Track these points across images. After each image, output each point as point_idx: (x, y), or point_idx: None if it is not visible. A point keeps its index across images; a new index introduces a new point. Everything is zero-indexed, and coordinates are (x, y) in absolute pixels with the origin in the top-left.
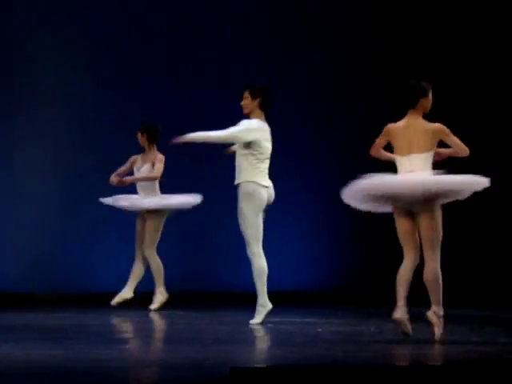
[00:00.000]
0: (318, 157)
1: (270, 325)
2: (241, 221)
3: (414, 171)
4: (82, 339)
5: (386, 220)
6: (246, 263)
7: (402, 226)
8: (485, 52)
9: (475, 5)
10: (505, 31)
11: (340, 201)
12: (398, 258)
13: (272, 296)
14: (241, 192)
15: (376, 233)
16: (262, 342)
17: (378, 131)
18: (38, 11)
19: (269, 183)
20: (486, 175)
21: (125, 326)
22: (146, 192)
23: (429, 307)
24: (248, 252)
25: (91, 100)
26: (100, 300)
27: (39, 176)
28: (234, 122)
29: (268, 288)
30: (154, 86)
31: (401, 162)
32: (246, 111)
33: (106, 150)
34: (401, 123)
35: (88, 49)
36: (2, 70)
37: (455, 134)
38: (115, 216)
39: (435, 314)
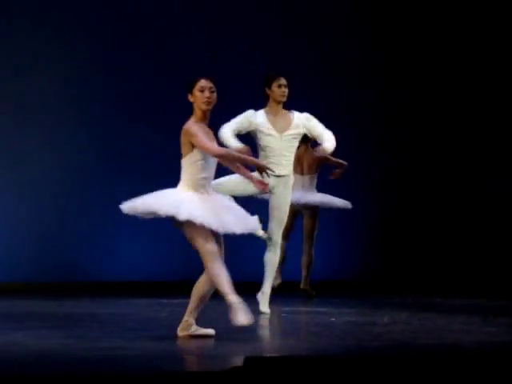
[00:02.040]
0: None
1: (283, 314)
2: (286, 209)
3: None
4: (95, 328)
5: (398, 212)
6: (256, 253)
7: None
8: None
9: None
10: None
11: (355, 192)
12: (410, 249)
13: (286, 285)
14: (289, 182)
15: (388, 223)
16: (276, 331)
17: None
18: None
19: None
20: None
21: (137, 315)
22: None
23: None
24: (279, 239)
25: (95, 97)
26: (112, 289)
27: (43, 167)
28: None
29: (282, 278)
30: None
31: None
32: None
33: (109, 145)
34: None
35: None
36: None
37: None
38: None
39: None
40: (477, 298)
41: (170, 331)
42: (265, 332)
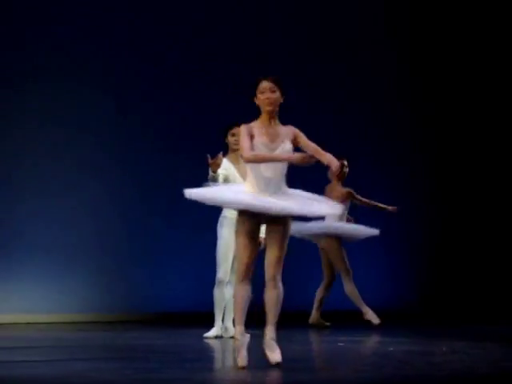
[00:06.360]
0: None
1: (340, 344)
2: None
3: None
4: (152, 359)
5: (463, 239)
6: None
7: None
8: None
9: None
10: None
11: (400, 216)
12: (468, 279)
13: (342, 314)
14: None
15: (449, 253)
16: (334, 361)
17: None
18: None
19: None
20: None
21: (195, 346)
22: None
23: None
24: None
25: (137, 111)
26: (169, 319)
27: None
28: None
29: (338, 307)
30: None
31: None
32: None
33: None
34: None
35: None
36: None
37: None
38: (181, 237)
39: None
40: (497, 325)
41: (228, 364)
42: (318, 362)
